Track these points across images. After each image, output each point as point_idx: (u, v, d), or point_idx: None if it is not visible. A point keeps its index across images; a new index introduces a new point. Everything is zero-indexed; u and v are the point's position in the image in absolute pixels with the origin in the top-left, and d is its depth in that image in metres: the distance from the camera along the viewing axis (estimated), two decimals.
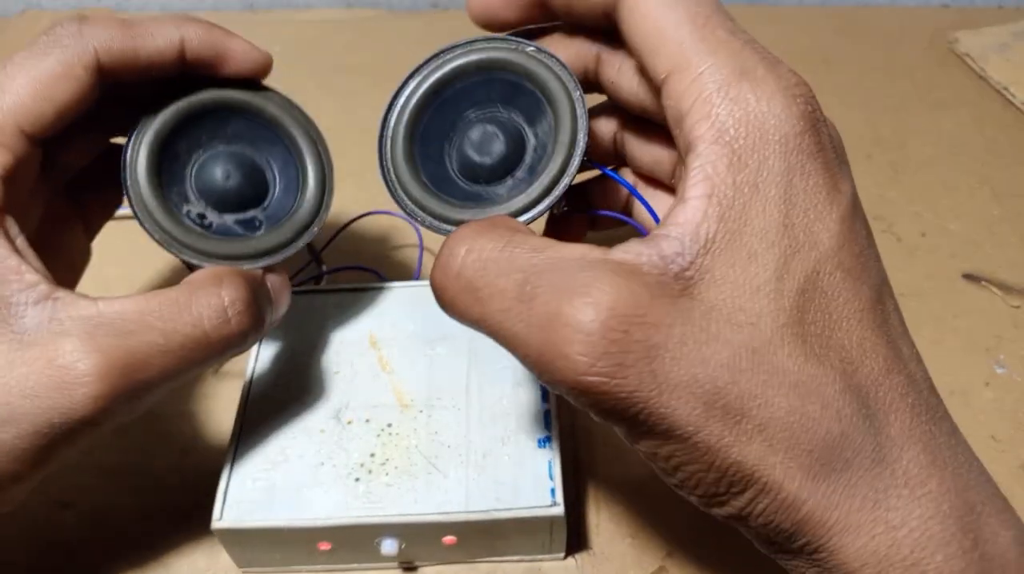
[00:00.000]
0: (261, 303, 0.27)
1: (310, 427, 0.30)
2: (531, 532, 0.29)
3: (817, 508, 0.20)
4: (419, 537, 0.28)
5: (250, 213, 0.29)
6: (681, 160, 0.22)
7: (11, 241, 0.24)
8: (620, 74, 0.26)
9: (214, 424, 0.35)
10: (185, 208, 0.28)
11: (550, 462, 0.29)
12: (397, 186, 0.27)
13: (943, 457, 0.21)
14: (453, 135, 0.28)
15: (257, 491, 0.28)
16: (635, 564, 0.30)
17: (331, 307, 0.34)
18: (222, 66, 0.28)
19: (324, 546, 0.28)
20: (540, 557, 0.30)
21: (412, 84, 0.27)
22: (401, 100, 0.27)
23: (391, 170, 0.27)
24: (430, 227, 0.27)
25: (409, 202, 0.27)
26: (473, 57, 0.27)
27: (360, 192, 0.46)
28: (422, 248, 0.39)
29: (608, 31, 0.25)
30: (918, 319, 0.38)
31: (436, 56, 0.27)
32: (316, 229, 0.29)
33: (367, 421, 0.30)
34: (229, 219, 0.29)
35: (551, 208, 0.26)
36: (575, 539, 0.31)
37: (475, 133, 0.27)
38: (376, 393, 0.31)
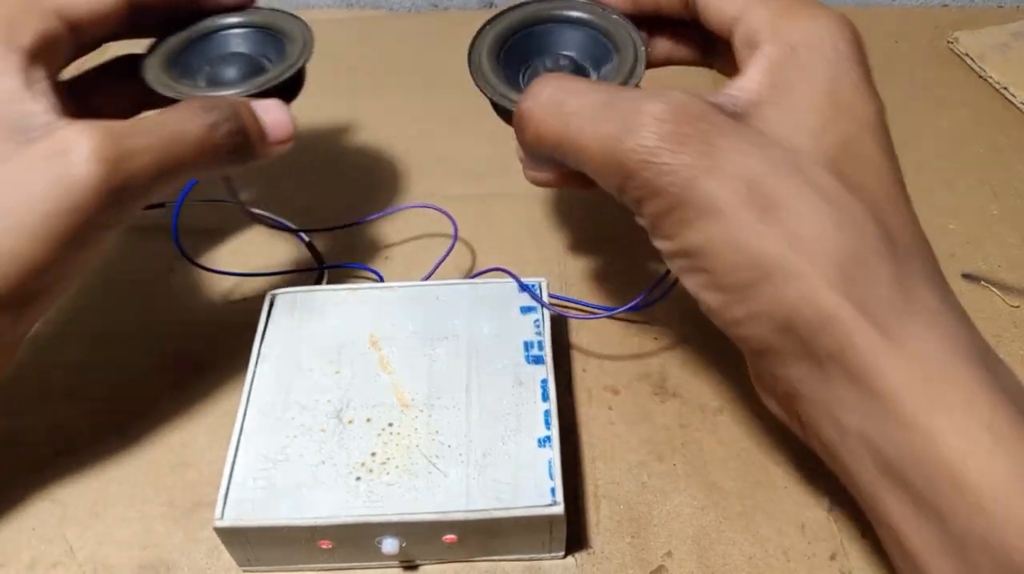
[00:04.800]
0: (246, 118, 0.30)
1: (311, 426, 0.30)
2: (531, 531, 0.29)
3: (840, 310, 0.22)
4: (420, 536, 0.28)
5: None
6: (744, 47, 0.27)
7: (29, 79, 0.28)
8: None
9: (215, 423, 0.35)
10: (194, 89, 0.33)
11: (550, 461, 0.29)
12: (480, 75, 0.31)
13: (952, 299, 0.24)
14: (530, 62, 0.33)
15: (258, 490, 0.28)
16: (635, 564, 0.30)
17: (331, 306, 0.34)
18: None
19: (325, 545, 0.28)
20: (540, 556, 0.30)
21: (510, 15, 0.33)
22: (499, 24, 0.33)
23: (477, 65, 0.32)
24: (512, 104, 0.30)
25: (495, 92, 0.31)
26: (567, 12, 0.33)
27: (363, 192, 0.46)
28: (455, 239, 0.39)
29: None
30: None
31: (536, 1, 0.33)
32: (295, 68, 0.33)
33: (368, 421, 0.30)
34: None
35: None
36: (575, 538, 0.31)
37: (549, 62, 0.32)
38: (377, 393, 0.31)
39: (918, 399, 0.21)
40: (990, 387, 0.21)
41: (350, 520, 0.27)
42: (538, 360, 0.32)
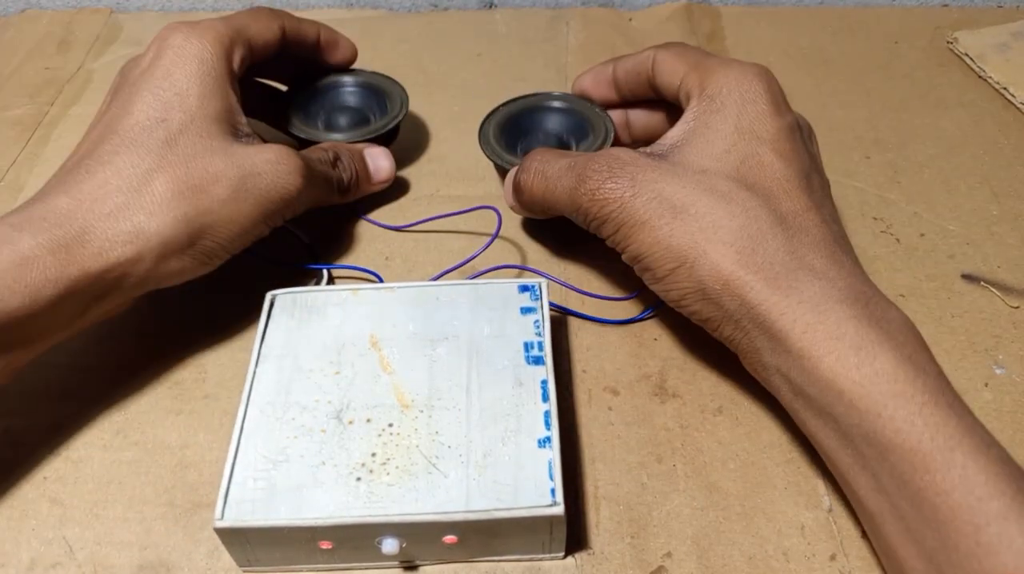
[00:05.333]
0: (358, 162, 0.42)
1: (311, 427, 0.30)
2: (531, 532, 0.29)
3: (733, 275, 0.30)
4: (420, 536, 0.28)
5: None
6: (684, 105, 0.36)
7: (237, 96, 0.37)
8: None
9: (214, 423, 0.35)
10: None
11: (550, 462, 0.29)
12: (489, 147, 0.42)
13: (840, 261, 0.30)
14: (527, 136, 0.44)
15: (258, 491, 0.28)
16: (635, 564, 0.30)
17: (332, 307, 0.34)
18: (333, 53, 0.45)
19: (325, 545, 0.28)
20: (540, 556, 0.30)
21: (515, 103, 0.45)
22: (505, 109, 0.44)
23: (487, 139, 0.43)
24: (508, 164, 0.41)
25: (497, 157, 0.42)
26: (558, 104, 0.44)
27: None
28: (498, 231, 0.40)
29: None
30: (917, 319, 0.39)
31: (536, 95, 0.45)
32: (394, 123, 0.44)
33: (368, 421, 0.30)
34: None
35: None
36: (575, 539, 0.31)
37: (541, 136, 0.44)
38: (377, 394, 0.31)
39: (804, 334, 0.28)
40: (859, 318, 0.28)
41: (350, 521, 0.27)
42: (538, 361, 0.32)
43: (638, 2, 0.61)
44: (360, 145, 0.42)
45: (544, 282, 0.35)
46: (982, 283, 0.40)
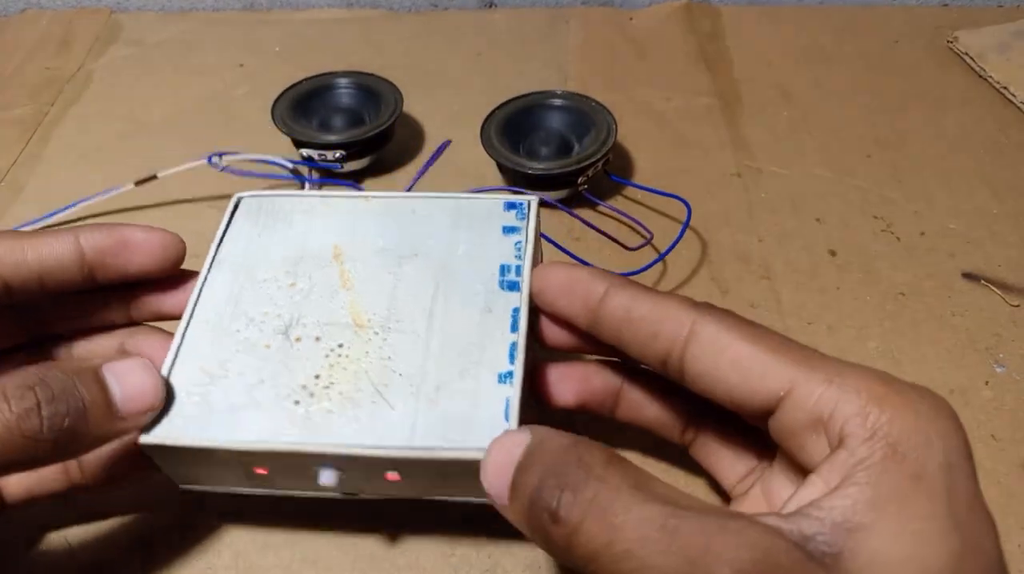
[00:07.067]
0: (86, 395, 0.24)
1: (255, 342, 0.27)
2: (475, 472, 0.25)
3: None
4: (358, 471, 0.26)
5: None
6: (803, 435, 0.22)
7: None
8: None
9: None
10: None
11: (508, 400, 0.25)
12: (492, 147, 0.43)
13: None
14: (528, 135, 0.45)
15: (191, 406, 0.26)
16: None
17: (299, 214, 0.31)
18: (123, 260, 0.28)
19: (260, 471, 0.26)
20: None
21: (516, 102, 0.45)
22: (505, 108, 0.45)
23: (489, 138, 0.43)
24: (510, 164, 0.42)
25: (500, 156, 0.42)
26: (559, 102, 0.45)
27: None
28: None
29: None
30: (918, 319, 0.39)
31: (537, 93, 0.45)
32: (386, 124, 0.45)
33: (317, 339, 0.27)
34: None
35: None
36: None
37: (543, 134, 0.45)
38: (332, 311, 0.28)
39: None
40: None
41: (282, 448, 0.25)
42: (513, 286, 0.28)
43: (638, 1, 0.61)
44: (96, 361, 0.25)
45: (534, 199, 0.31)
46: (982, 281, 0.40)
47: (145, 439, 0.25)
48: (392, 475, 0.26)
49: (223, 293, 0.29)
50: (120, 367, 0.25)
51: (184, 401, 0.26)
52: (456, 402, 0.26)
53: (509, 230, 0.30)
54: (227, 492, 0.28)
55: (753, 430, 0.25)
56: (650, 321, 0.24)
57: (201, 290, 0.29)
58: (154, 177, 0.42)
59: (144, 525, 0.32)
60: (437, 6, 0.63)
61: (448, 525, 0.31)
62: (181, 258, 0.29)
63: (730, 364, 0.23)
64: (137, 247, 0.28)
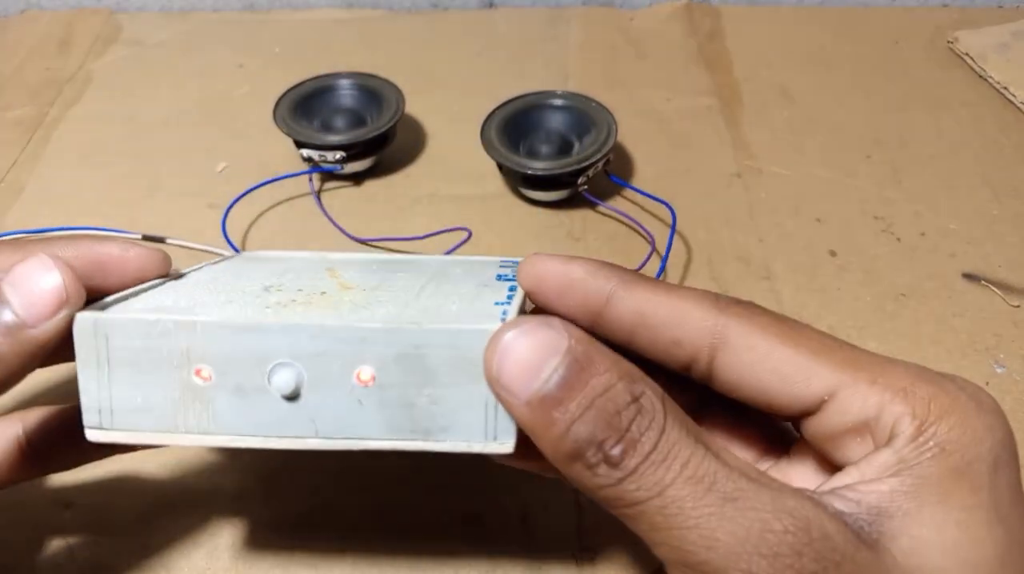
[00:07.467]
0: None
1: (232, 289, 0.25)
2: (471, 377, 0.21)
3: None
4: (324, 367, 0.21)
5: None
6: (847, 431, 0.21)
7: None
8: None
9: None
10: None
11: (505, 311, 0.22)
12: (492, 146, 0.43)
13: None
14: (530, 136, 0.45)
15: (138, 302, 0.24)
16: (635, 564, 0.30)
17: (298, 256, 0.32)
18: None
19: (202, 376, 0.22)
20: (483, 443, 0.22)
21: (516, 102, 0.46)
22: (504, 108, 0.45)
23: (490, 138, 0.43)
24: (511, 164, 0.42)
25: (496, 154, 0.43)
26: (560, 102, 0.45)
27: None
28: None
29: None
30: (918, 319, 0.39)
31: (537, 93, 0.46)
32: (388, 125, 0.45)
33: (298, 290, 0.25)
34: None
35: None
36: (575, 539, 0.31)
37: (543, 134, 0.45)
38: (316, 281, 0.26)
39: None
40: None
41: (235, 324, 0.21)
42: (510, 283, 0.27)
43: (638, 1, 0.61)
44: None
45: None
46: (983, 282, 0.40)
47: (80, 315, 0.22)
48: (365, 373, 0.21)
49: (218, 272, 0.28)
50: (16, 273, 0.22)
51: (137, 306, 0.23)
52: (444, 307, 0.23)
53: (502, 278, 0.28)
54: (146, 444, 0.23)
55: (764, 420, 0.24)
56: (669, 326, 0.22)
57: (196, 269, 0.28)
58: (163, 239, 0.34)
59: (143, 525, 0.32)
60: (437, 6, 0.63)
61: (448, 525, 0.31)
62: (164, 276, 0.27)
63: (770, 372, 0.21)
64: (114, 267, 0.25)
